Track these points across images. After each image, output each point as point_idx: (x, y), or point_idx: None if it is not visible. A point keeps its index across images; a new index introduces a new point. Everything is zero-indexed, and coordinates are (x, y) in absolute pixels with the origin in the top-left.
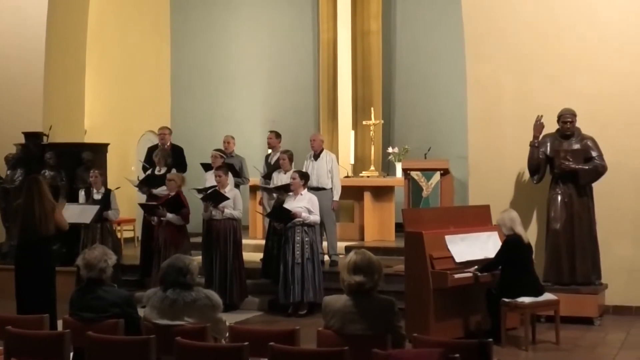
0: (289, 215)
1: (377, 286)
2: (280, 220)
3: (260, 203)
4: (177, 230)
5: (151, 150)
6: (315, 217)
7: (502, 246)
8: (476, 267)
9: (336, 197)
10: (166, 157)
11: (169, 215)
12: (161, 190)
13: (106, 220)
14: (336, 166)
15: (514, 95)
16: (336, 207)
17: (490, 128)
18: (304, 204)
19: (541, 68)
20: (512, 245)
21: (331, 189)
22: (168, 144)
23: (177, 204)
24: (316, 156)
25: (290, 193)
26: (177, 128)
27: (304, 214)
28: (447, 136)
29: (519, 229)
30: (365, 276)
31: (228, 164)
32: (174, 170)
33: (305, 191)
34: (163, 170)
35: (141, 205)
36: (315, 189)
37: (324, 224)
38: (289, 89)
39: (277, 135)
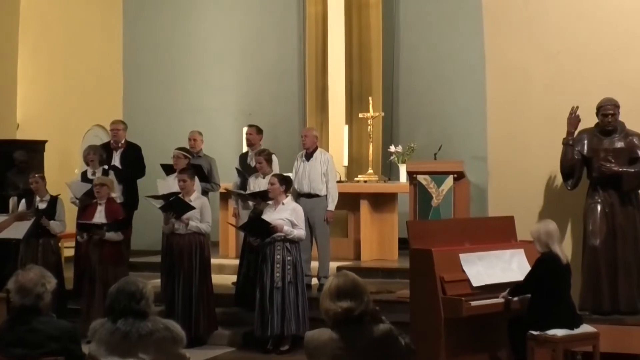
0: (268, 229)
1: (368, 311)
2: (257, 234)
3: (235, 214)
4: (115, 246)
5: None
6: (299, 232)
7: (535, 265)
8: (508, 290)
9: (331, 206)
10: (100, 153)
11: (109, 234)
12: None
13: (49, 234)
14: (332, 169)
15: (544, 82)
16: (331, 218)
17: (514, 122)
18: (286, 215)
19: (577, 49)
20: (547, 264)
21: (325, 196)
22: (122, 141)
23: (123, 224)
24: (308, 156)
25: (270, 202)
26: (132, 122)
27: (287, 227)
28: (462, 132)
29: (556, 247)
30: (352, 300)
31: (194, 165)
32: (112, 174)
33: (288, 199)
34: (98, 173)
35: (81, 224)
36: (306, 196)
37: (316, 238)
38: (269, 74)
39: (259, 131)
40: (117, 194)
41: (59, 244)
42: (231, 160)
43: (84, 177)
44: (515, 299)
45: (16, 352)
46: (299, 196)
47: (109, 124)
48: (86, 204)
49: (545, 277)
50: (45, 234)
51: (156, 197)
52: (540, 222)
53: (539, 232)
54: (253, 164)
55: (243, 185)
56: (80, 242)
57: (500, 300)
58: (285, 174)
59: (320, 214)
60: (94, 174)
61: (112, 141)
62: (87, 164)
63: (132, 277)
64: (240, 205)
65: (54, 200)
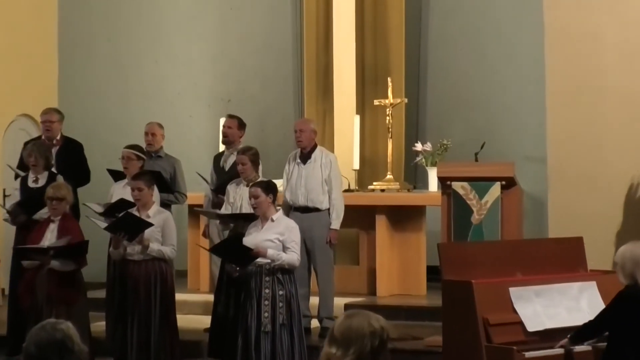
0: (247, 254)
1: None
2: (234, 260)
3: (205, 234)
4: (67, 279)
5: None
6: (290, 256)
7: (612, 301)
8: (569, 336)
9: (336, 224)
10: (46, 155)
11: (55, 263)
12: (43, 214)
13: None
14: (337, 174)
15: (621, 57)
16: (335, 240)
17: (582, 111)
18: (276, 235)
19: None
20: (630, 301)
21: (328, 210)
22: (58, 137)
23: (79, 249)
24: (305, 157)
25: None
26: (70, 111)
27: (272, 251)
28: (512, 124)
29: None
30: (339, 349)
31: (152, 170)
32: (59, 178)
33: (279, 214)
34: (43, 179)
35: (18, 249)
36: (302, 210)
37: (315, 267)
38: (254, 48)
39: (241, 125)
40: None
41: None
42: (203, 162)
43: (24, 184)
44: (583, 345)
45: None
46: (291, 210)
47: (40, 114)
48: (21, 220)
49: (625, 318)
50: None
51: (103, 214)
52: (628, 245)
53: (624, 258)
54: (227, 167)
55: (213, 196)
56: (28, 270)
57: (559, 350)
58: (267, 179)
59: (321, 234)
60: (36, 180)
61: (43, 137)
62: (26, 167)
63: (48, 321)
64: (213, 223)
65: None
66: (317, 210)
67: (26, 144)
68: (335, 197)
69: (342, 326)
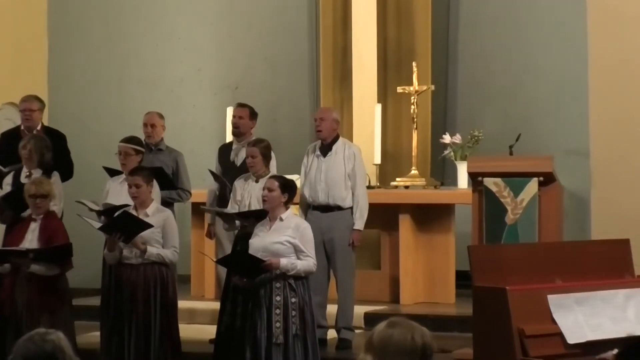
0: (258, 267)
1: None
2: (244, 271)
3: (210, 234)
4: (49, 285)
5: (7, 137)
6: (306, 263)
7: None
8: (614, 353)
9: (359, 225)
10: (42, 151)
11: (36, 267)
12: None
13: None
14: (361, 168)
15: None
16: (358, 242)
17: (628, 100)
18: (286, 238)
19: None
20: None
21: (351, 208)
22: (38, 127)
23: (62, 252)
24: (325, 149)
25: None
26: (61, 100)
27: (285, 261)
28: (551, 114)
29: None
30: (375, 358)
31: (153, 167)
32: (55, 176)
33: (288, 213)
34: (37, 175)
35: None
36: (322, 209)
37: (335, 272)
38: (265, 31)
39: (253, 114)
40: (58, 205)
41: None
42: (208, 156)
43: (16, 180)
44: None
45: None
46: (310, 209)
47: (19, 102)
48: (8, 216)
49: None
50: None
51: (101, 212)
52: None
53: None
54: (239, 162)
55: (223, 193)
56: (3, 275)
57: None
58: (290, 179)
59: (343, 235)
60: (29, 176)
61: (23, 126)
62: (5, 160)
63: (36, 331)
64: (220, 223)
65: None
66: (339, 208)
67: (3, 134)
68: (359, 193)
69: (383, 335)
